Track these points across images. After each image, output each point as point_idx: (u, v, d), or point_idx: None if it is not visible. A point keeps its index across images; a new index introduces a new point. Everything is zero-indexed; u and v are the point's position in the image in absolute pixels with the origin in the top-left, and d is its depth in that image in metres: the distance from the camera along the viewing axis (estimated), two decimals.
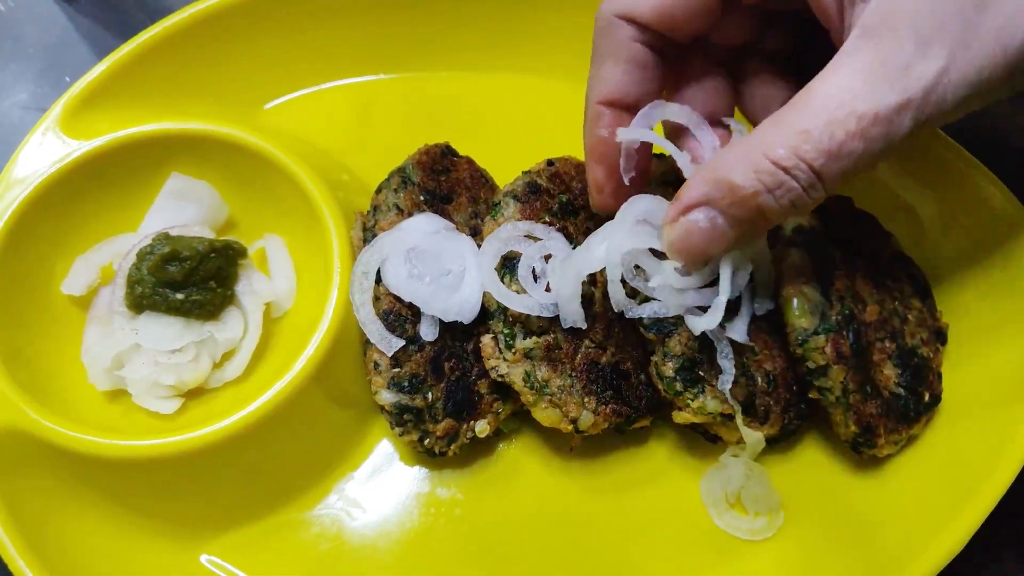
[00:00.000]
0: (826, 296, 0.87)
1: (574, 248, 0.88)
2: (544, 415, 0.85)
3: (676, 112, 0.83)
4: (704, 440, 0.90)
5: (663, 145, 0.83)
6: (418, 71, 1.10)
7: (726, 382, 0.84)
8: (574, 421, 0.85)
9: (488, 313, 0.87)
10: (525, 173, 0.93)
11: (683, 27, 0.79)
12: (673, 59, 0.83)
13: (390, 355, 0.86)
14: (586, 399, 0.85)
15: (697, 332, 0.82)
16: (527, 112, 1.08)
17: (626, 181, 0.84)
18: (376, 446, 0.93)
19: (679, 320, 0.84)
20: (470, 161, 0.99)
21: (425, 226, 0.89)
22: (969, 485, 0.85)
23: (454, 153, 0.98)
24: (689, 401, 0.84)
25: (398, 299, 0.87)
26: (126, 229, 0.97)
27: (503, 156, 1.00)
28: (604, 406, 0.86)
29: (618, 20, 0.80)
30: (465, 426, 0.88)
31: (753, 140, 0.70)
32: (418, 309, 0.87)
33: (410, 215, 0.91)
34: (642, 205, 0.87)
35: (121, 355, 0.90)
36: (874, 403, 0.87)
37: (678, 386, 0.84)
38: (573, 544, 0.90)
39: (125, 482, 0.87)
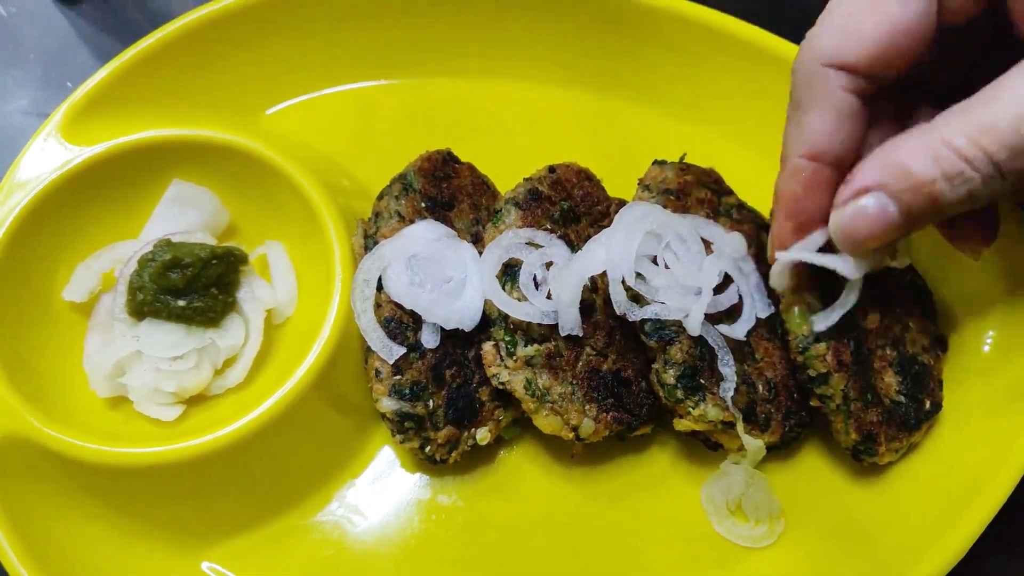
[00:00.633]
0: (827, 304, 0.87)
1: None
2: (545, 422, 0.85)
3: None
4: (705, 447, 0.91)
5: (823, 264, 0.80)
6: (419, 77, 1.10)
7: (727, 390, 0.84)
8: (575, 428, 0.85)
9: (489, 320, 0.87)
10: (526, 180, 0.93)
11: (898, 69, 0.76)
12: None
13: (391, 362, 0.86)
14: (587, 406, 0.85)
15: (694, 333, 0.83)
16: (528, 118, 1.08)
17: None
18: (377, 453, 0.93)
19: (680, 328, 0.84)
20: (471, 168, 0.99)
21: (426, 233, 0.90)
22: (970, 492, 0.85)
23: (455, 160, 0.98)
24: (690, 409, 0.84)
25: (399, 306, 0.87)
26: (127, 236, 0.97)
27: (504, 163, 1.00)
28: (605, 413, 0.86)
29: (825, 69, 0.75)
30: (466, 433, 0.88)
31: (933, 128, 0.68)
32: (419, 316, 0.87)
33: (412, 222, 0.91)
34: (640, 211, 0.87)
35: (122, 362, 0.90)
36: (875, 411, 0.87)
37: (679, 394, 0.84)
38: (574, 551, 0.90)
39: (126, 489, 0.87)
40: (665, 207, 0.90)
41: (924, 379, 0.91)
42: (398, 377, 0.86)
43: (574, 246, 0.90)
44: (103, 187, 0.96)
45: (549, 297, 0.86)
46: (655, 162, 0.96)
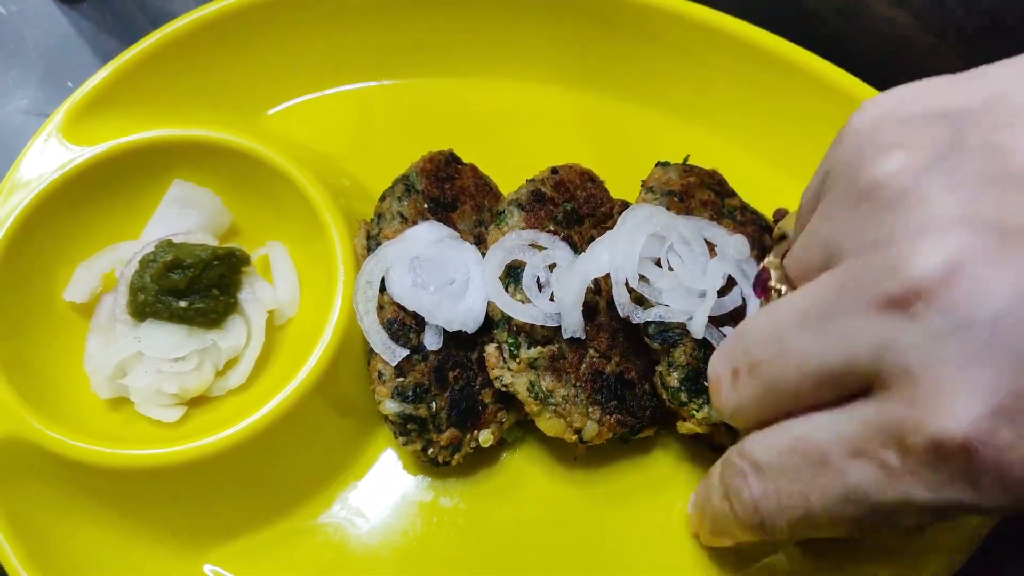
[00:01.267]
0: None
1: (578, 256, 0.88)
2: (548, 425, 0.85)
3: None
4: (709, 450, 0.90)
5: None
6: (421, 77, 1.09)
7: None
8: (578, 431, 0.85)
9: (492, 322, 0.87)
10: (529, 181, 0.93)
11: None
12: None
13: (394, 364, 0.86)
14: (590, 409, 0.85)
15: (698, 335, 0.83)
16: (530, 119, 1.08)
17: None
18: (379, 455, 0.93)
19: (684, 330, 0.84)
20: (474, 169, 0.98)
21: (429, 235, 0.89)
22: None
23: (458, 160, 0.98)
24: (694, 411, 0.84)
25: (402, 308, 0.87)
26: (128, 236, 0.96)
27: (506, 164, 0.99)
28: (608, 416, 0.86)
29: None
30: (469, 436, 0.88)
31: None
32: (422, 318, 0.87)
33: (414, 223, 0.91)
34: (644, 213, 0.87)
35: (123, 363, 0.90)
36: None
37: (683, 396, 0.84)
38: (577, 553, 0.89)
39: (127, 491, 0.86)
40: (668, 209, 0.90)
41: None
42: (401, 379, 0.86)
43: (577, 248, 0.90)
44: (104, 187, 0.95)
45: (552, 299, 0.85)
46: (658, 164, 0.95)
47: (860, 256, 0.59)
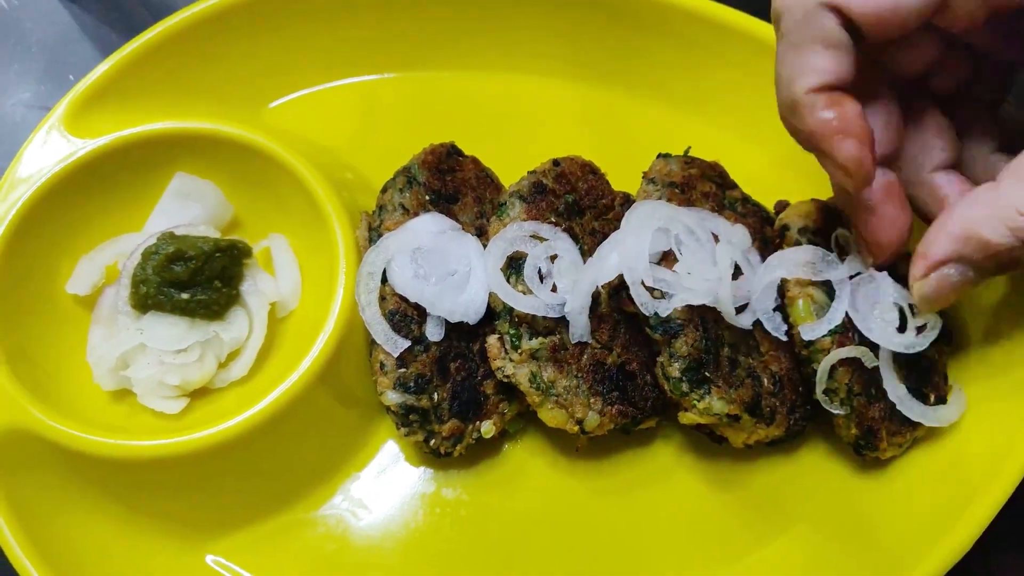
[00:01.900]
0: (831, 297, 0.87)
1: (579, 248, 0.88)
2: (550, 416, 0.85)
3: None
4: (710, 441, 0.90)
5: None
6: (423, 70, 1.09)
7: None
8: (580, 422, 0.85)
9: (494, 314, 0.87)
10: (531, 173, 0.93)
11: (892, 30, 0.75)
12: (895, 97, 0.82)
13: (396, 355, 0.86)
14: (592, 400, 0.85)
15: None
16: (532, 111, 1.08)
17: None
18: (382, 446, 0.93)
19: (686, 321, 0.84)
20: (475, 161, 0.98)
21: (431, 226, 0.89)
22: (975, 486, 0.85)
23: (459, 152, 0.98)
24: (695, 402, 0.84)
25: (404, 299, 0.87)
26: (130, 228, 0.97)
27: (508, 155, 1.00)
28: (610, 407, 0.86)
29: (823, 9, 0.75)
30: (471, 427, 0.88)
31: (1000, 197, 0.73)
32: (424, 309, 0.87)
33: (416, 215, 0.91)
34: (646, 209, 0.87)
35: (126, 355, 0.90)
36: (878, 406, 0.87)
37: (684, 387, 0.84)
38: (578, 544, 0.90)
39: (130, 482, 0.87)
40: (670, 200, 0.90)
41: (928, 373, 0.91)
42: (403, 370, 0.86)
43: (578, 239, 0.90)
44: (106, 180, 0.95)
45: (554, 290, 0.86)
46: (659, 155, 0.95)
47: None
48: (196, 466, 0.85)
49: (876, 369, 0.87)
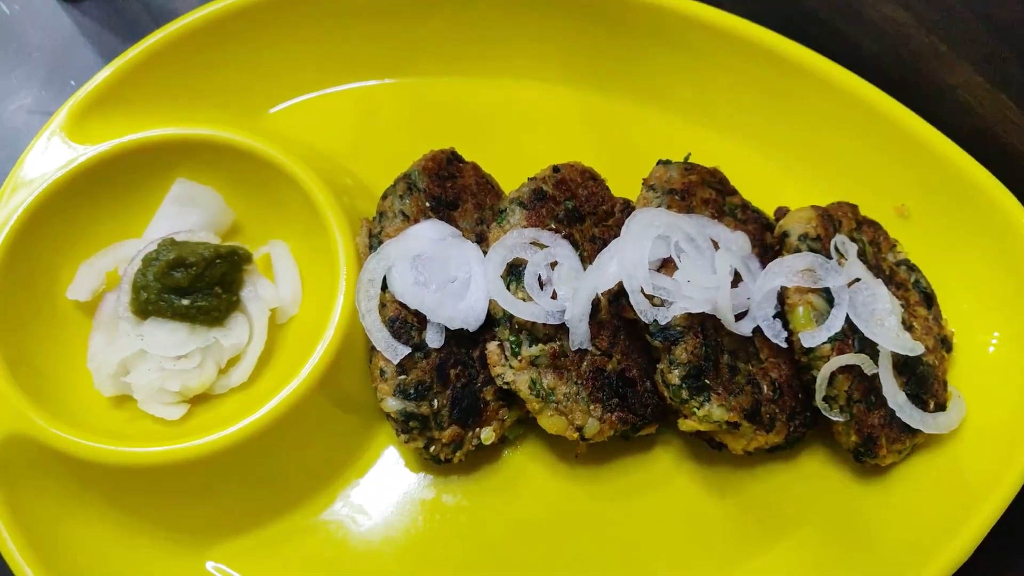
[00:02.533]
0: (831, 304, 0.87)
1: (579, 254, 0.89)
2: (550, 422, 0.85)
3: None
4: (709, 447, 0.90)
5: None
6: (422, 76, 1.09)
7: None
8: (580, 428, 0.85)
9: (494, 320, 0.87)
10: (531, 180, 0.93)
11: None
12: None
13: (396, 362, 0.86)
14: (592, 406, 0.85)
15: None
16: (532, 118, 1.08)
17: None
18: (382, 453, 0.93)
19: (686, 328, 0.84)
20: (475, 167, 0.99)
21: (431, 233, 0.89)
22: (975, 492, 0.86)
23: (460, 159, 0.98)
24: (695, 409, 0.84)
25: (404, 306, 0.87)
26: (131, 234, 0.97)
27: (508, 162, 1.00)
28: (610, 413, 0.86)
29: None
30: (471, 433, 0.88)
31: None
32: (424, 316, 0.87)
33: (416, 222, 0.91)
34: (646, 217, 0.87)
35: (126, 361, 0.90)
36: (878, 413, 0.87)
37: (684, 394, 0.84)
38: (578, 551, 0.90)
39: (131, 488, 0.87)
40: (669, 207, 0.90)
41: (928, 380, 0.91)
42: (403, 377, 0.86)
43: (578, 246, 0.90)
44: (107, 186, 0.95)
45: (554, 297, 0.86)
46: (659, 162, 0.95)
47: None
48: (196, 472, 0.85)
49: (876, 376, 0.87)
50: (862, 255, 0.92)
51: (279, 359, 0.95)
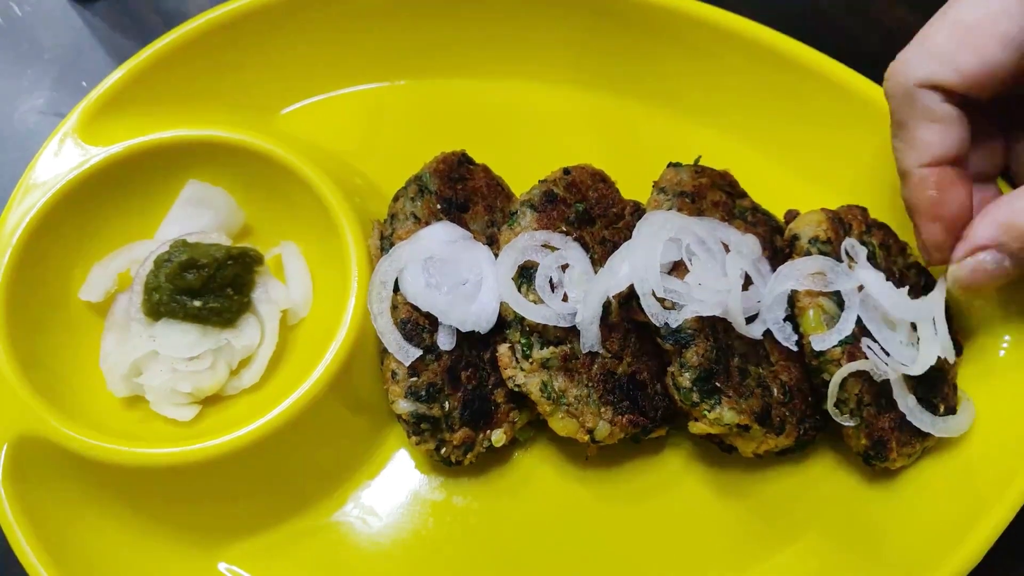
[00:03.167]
0: (842, 307, 0.87)
1: (589, 256, 0.89)
2: (561, 425, 0.85)
3: None
4: (719, 450, 0.91)
5: None
6: (433, 77, 1.09)
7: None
8: (590, 431, 0.85)
9: (505, 323, 0.87)
10: (541, 182, 0.93)
11: (990, 90, 0.80)
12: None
13: (408, 364, 0.86)
14: (603, 409, 0.86)
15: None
16: (542, 120, 1.08)
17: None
18: (392, 455, 0.93)
19: (696, 330, 0.84)
20: (486, 169, 0.99)
21: (443, 235, 0.90)
22: (985, 496, 0.85)
23: (470, 161, 0.98)
24: (706, 412, 0.84)
25: (416, 308, 0.87)
26: (143, 236, 0.97)
27: (518, 164, 1.00)
28: (620, 416, 0.86)
29: (920, 89, 0.81)
30: (481, 435, 0.88)
31: None
32: (435, 318, 0.87)
33: (427, 224, 0.91)
34: (657, 220, 0.87)
35: (139, 362, 0.90)
36: (887, 417, 0.87)
37: (695, 397, 0.84)
38: (588, 553, 0.90)
39: (143, 489, 0.87)
40: (680, 210, 0.90)
41: (938, 383, 0.91)
42: (414, 379, 0.86)
43: (589, 248, 0.90)
44: (119, 187, 0.96)
45: (565, 299, 0.86)
46: (670, 164, 0.95)
47: None
48: (208, 473, 0.86)
49: (886, 380, 0.87)
50: (872, 258, 0.92)
51: (290, 361, 0.95)
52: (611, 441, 0.86)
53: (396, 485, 0.92)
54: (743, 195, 0.98)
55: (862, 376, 0.85)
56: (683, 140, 1.05)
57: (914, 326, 0.88)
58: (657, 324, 0.84)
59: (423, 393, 0.86)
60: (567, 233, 0.89)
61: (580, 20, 1.06)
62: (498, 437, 0.88)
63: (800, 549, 0.89)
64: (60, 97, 1.13)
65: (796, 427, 0.88)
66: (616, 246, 0.89)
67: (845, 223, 0.94)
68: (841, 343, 0.85)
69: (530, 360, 0.85)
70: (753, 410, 0.85)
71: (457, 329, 0.87)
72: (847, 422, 0.86)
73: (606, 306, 0.88)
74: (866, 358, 0.85)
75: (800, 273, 0.87)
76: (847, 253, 0.90)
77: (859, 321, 0.87)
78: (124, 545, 0.87)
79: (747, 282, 0.87)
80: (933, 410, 0.89)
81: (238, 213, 0.99)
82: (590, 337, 0.85)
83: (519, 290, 0.86)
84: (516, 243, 0.87)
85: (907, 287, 0.91)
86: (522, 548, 0.90)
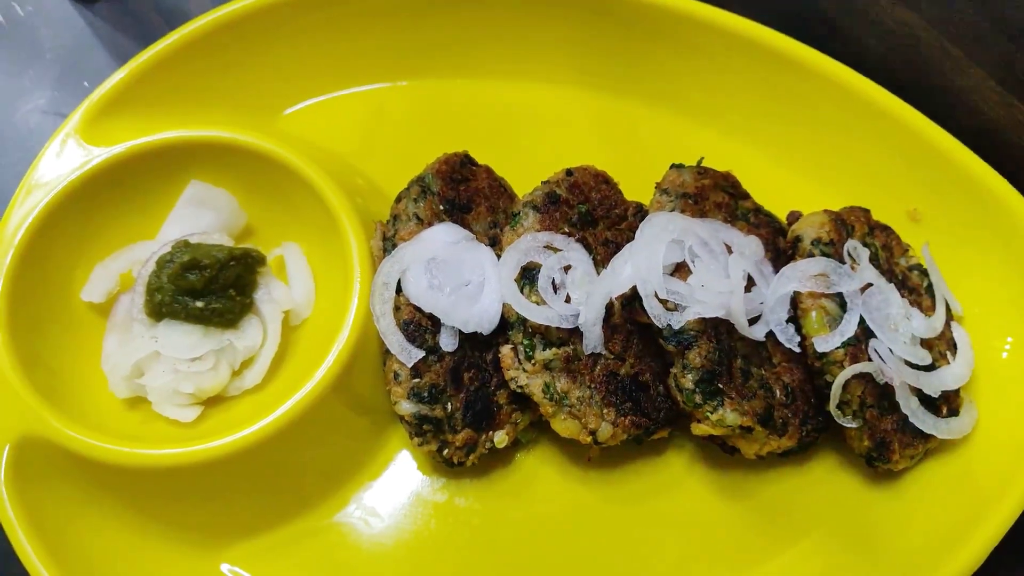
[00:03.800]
0: (844, 308, 0.87)
1: (592, 258, 0.89)
2: (563, 426, 0.85)
3: None
4: (722, 452, 0.91)
5: None
6: (435, 78, 1.09)
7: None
8: (593, 432, 0.85)
9: (508, 324, 0.87)
10: (544, 183, 0.93)
11: None
12: None
13: (410, 365, 0.86)
14: (605, 410, 0.86)
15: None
16: (545, 121, 1.08)
17: None
18: (395, 456, 0.93)
19: (699, 332, 0.84)
20: (489, 170, 0.99)
21: (445, 236, 0.90)
22: (987, 497, 0.86)
23: (473, 162, 0.98)
24: (708, 413, 0.84)
25: (418, 309, 0.87)
26: (145, 236, 0.97)
27: (521, 165, 1.00)
28: (623, 417, 0.86)
29: None
30: (484, 436, 0.88)
31: None
32: (438, 319, 0.87)
33: (430, 225, 0.91)
34: (660, 221, 0.87)
35: (141, 363, 0.90)
36: (890, 418, 0.87)
37: (697, 398, 0.84)
38: (590, 554, 0.90)
39: (145, 490, 0.87)
40: (683, 211, 0.90)
41: None
42: (416, 380, 0.86)
43: (592, 249, 0.90)
44: (121, 188, 0.96)
45: (568, 301, 0.86)
46: (672, 166, 0.95)
47: None
48: (210, 474, 0.86)
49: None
50: (875, 259, 0.92)
51: (292, 361, 0.95)
52: (613, 442, 0.86)
53: (398, 486, 0.92)
54: (746, 196, 0.98)
55: (864, 378, 0.85)
56: (685, 141, 1.05)
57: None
58: (660, 325, 0.84)
59: (425, 394, 0.86)
60: (570, 234, 0.89)
61: (583, 21, 1.06)
62: (500, 438, 0.88)
63: (803, 550, 0.89)
64: (62, 97, 1.12)
65: (798, 428, 0.88)
66: (619, 247, 0.89)
67: (848, 225, 0.94)
68: (844, 344, 0.85)
69: (532, 361, 0.85)
70: (756, 411, 0.85)
71: (459, 330, 0.87)
72: (849, 423, 0.86)
73: (609, 307, 0.88)
74: (869, 359, 0.85)
75: (803, 274, 0.87)
76: (849, 254, 0.90)
77: (862, 322, 0.87)
78: (126, 546, 0.87)
79: (750, 283, 0.87)
80: (936, 412, 0.89)
81: (240, 214, 0.99)
82: (593, 338, 0.85)
83: (522, 291, 0.86)
84: (519, 244, 0.87)
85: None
86: (524, 549, 0.90)
